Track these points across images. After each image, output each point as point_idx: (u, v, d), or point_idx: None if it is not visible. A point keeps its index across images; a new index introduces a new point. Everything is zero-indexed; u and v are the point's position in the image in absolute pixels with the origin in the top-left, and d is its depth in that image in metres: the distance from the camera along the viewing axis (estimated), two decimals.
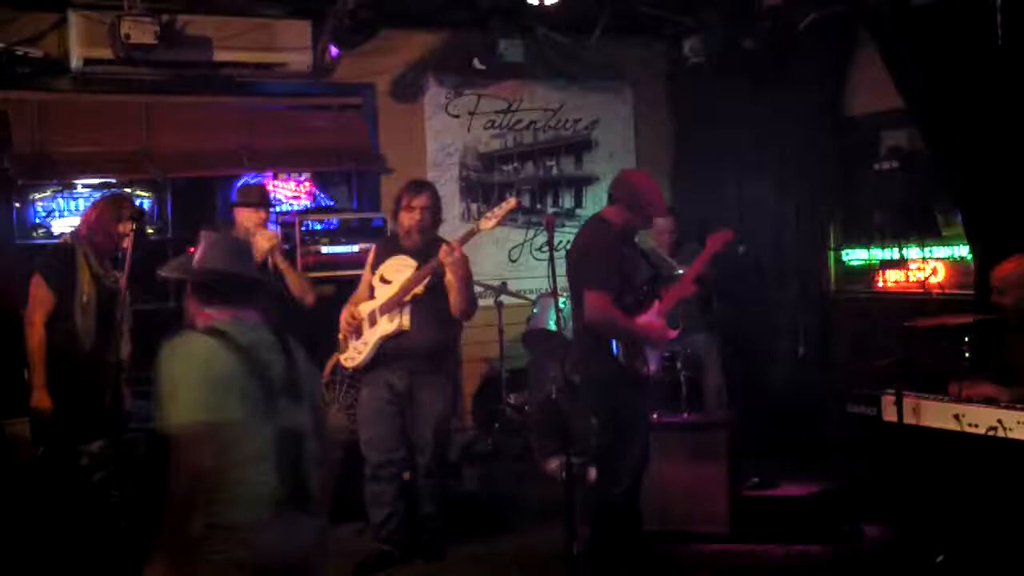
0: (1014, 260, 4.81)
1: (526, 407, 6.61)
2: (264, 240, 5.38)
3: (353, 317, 5.11)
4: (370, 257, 5.29)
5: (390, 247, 5.18)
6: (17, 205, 6.40)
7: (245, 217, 5.48)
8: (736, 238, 5.39)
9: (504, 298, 6.75)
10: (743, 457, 5.71)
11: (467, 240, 4.93)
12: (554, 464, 6.15)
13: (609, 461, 4.64)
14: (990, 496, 4.27)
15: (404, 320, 4.97)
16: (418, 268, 4.95)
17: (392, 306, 4.98)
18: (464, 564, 5.22)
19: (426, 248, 5.01)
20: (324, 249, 6.37)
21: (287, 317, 5.51)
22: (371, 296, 5.13)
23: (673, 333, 4.72)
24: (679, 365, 5.91)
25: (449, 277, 4.91)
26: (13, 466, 5.39)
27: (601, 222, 4.69)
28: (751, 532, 5.28)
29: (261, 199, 5.61)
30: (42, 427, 4.98)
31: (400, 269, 5.04)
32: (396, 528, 5.14)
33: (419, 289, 4.93)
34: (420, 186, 5.15)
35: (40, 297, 4.88)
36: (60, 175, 6.24)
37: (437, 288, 4.95)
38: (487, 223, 4.88)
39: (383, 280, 5.09)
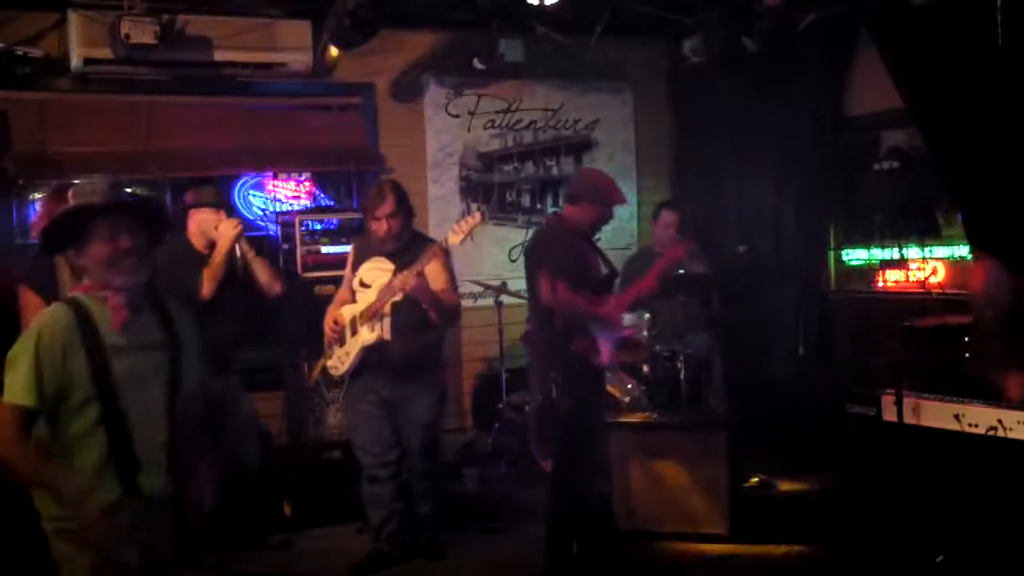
0: (980, 272, 4.80)
1: (526, 407, 6.61)
2: (231, 227, 5.16)
3: (336, 322, 5.07)
4: (349, 257, 5.24)
5: (368, 247, 5.10)
6: (17, 205, 6.40)
7: (203, 220, 5.23)
8: (689, 249, 5.52)
9: (504, 298, 6.75)
10: (743, 457, 5.71)
11: (431, 261, 4.81)
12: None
13: (575, 462, 4.68)
14: (990, 496, 4.27)
15: (384, 331, 4.95)
16: (394, 273, 4.89)
17: (372, 315, 4.94)
18: (464, 564, 5.23)
19: (403, 249, 4.97)
20: (324, 249, 6.37)
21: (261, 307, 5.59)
22: (353, 299, 5.12)
23: (628, 330, 4.83)
24: (679, 365, 5.91)
25: None
26: None
27: (560, 220, 4.88)
28: (751, 532, 5.28)
29: (218, 199, 5.40)
30: None
31: (378, 273, 4.99)
32: (396, 529, 5.14)
33: (397, 297, 4.88)
34: (380, 194, 4.96)
35: (32, 305, 4.87)
36: (60, 175, 6.22)
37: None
38: (454, 237, 4.81)
39: (362, 284, 5.05)
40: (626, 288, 5.16)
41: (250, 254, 5.27)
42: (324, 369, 5.24)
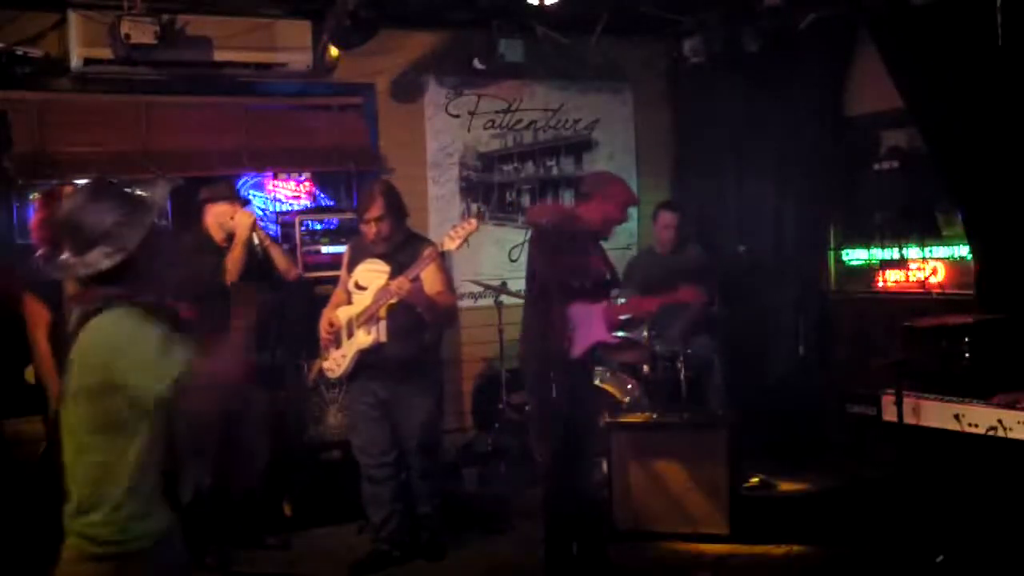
0: None
1: (526, 407, 6.61)
2: (246, 218, 5.30)
3: (331, 324, 5.05)
4: (345, 258, 5.25)
5: (362, 249, 5.10)
6: (17, 205, 6.40)
7: (219, 213, 5.37)
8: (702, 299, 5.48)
9: (504, 298, 6.74)
10: (743, 457, 5.71)
11: (426, 265, 4.83)
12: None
13: (575, 462, 4.71)
14: (990, 496, 4.27)
15: (381, 333, 4.94)
16: (390, 275, 4.89)
17: (368, 318, 4.92)
18: (464, 564, 5.23)
19: (397, 250, 4.96)
20: (324, 249, 6.38)
21: (278, 297, 5.65)
22: (349, 301, 5.10)
23: (611, 336, 4.85)
24: (679, 365, 5.91)
25: None
26: (13, 466, 5.39)
27: (570, 214, 4.92)
28: (751, 532, 5.28)
29: (233, 192, 5.59)
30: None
31: (374, 275, 4.98)
32: (396, 528, 5.15)
33: (393, 300, 4.87)
34: (370, 196, 4.96)
35: (36, 313, 4.90)
36: (60, 175, 6.22)
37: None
38: (451, 243, 4.85)
39: (358, 286, 5.04)
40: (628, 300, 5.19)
41: (267, 241, 5.46)
42: (321, 371, 5.23)
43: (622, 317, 5.02)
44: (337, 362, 5.08)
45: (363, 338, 4.95)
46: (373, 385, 5.05)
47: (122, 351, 2.53)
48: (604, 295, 4.79)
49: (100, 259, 2.59)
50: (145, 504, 2.60)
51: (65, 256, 2.66)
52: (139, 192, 2.85)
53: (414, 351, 5.01)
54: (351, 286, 5.09)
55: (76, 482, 2.60)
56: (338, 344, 5.07)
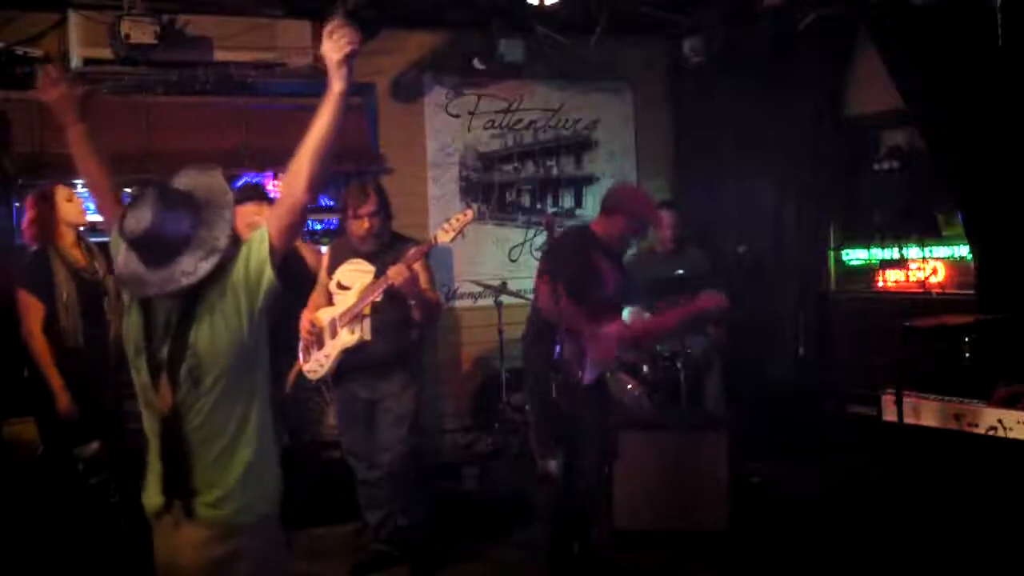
0: None
1: (526, 407, 6.60)
2: None
3: (313, 325, 5.00)
4: (325, 260, 5.18)
5: (345, 249, 5.07)
6: (17, 205, 6.39)
7: (250, 211, 5.32)
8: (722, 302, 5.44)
9: (504, 298, 6.74)
10: (743, 457, 5.71)
11: (421, 255, 4.82)
12: (553, 465, 6.14)
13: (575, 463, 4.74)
14: (990, 496, 4.27)
15: (364, 332, 4.90)
16: (375, 275, 4.86)
17: (352, 317, 4.88)
18: (464, 564, 5.23)
19: (382, 250, 4.94)
20: (324, 249, 6.36)
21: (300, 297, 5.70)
22: (329, 302, 5.06)
23: (612, 354, 4.85)
24: (679, 365, 5.91)
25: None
26: (12, 466, 5.39)
27: (584, 229, 4.90)
28: (751, 532, 5.28)
29: (257, 192, 5.54)
30: (49, 428, 5.00)
31: (357, 275, 4.95)
32: (395, 529, 5.14)
33: (377, 297, 4.84)
34: (363, 192, 4.95)
35: (30, 307, 4.91)
36: (60, 175, 6.19)
37: (397, 294, 4.84)
38: (444, 235, 4.83)
39: (340, 286, 4.99)
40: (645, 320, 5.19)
41: (299, 242, 5.44)
42: (300, 375, 5.15)
43: (635, 336, 5.01)
44: (320, 363, 5.01)
45: (347, 337, 4.91)
46: (355, 386, 5.01)
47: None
48: (618, 310, 4.77)
49: (199, 264, 2.65)
50: (267, 468, 2.79)
51: (140, 270, 2.67)
52: (205, 190, 2.83)
53: (399, 349, 4.97)
54: (333, 287, 5.03)
55: (201, 465, 2.67)
56: (320, 345, 5.01)
